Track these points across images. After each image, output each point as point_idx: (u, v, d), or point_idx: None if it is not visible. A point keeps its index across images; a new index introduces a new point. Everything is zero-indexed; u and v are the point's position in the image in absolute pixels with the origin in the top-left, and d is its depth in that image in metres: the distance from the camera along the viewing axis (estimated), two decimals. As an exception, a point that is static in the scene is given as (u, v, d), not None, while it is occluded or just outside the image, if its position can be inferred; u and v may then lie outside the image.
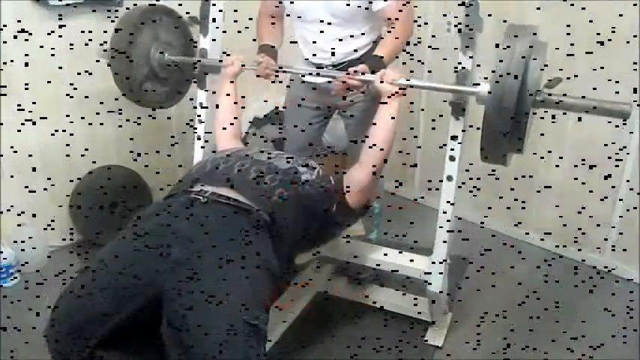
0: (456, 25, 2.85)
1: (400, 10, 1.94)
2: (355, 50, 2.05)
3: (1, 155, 2.46)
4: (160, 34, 2.11)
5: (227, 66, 1.98)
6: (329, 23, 1.99)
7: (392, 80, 1.70)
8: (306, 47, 2.12)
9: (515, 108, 1.33)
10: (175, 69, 2.16)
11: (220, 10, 2.08)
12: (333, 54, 2.04)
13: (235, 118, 1.98)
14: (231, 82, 2.00)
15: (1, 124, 2.42)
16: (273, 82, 2.06)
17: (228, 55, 2.04)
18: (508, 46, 1.35)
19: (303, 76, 2.17)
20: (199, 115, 2.11)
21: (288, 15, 2.12)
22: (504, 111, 1.33)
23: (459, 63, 1.68)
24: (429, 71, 3.02)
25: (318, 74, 2.08)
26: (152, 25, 2.08)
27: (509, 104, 1.32)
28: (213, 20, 2.06)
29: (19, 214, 2.56)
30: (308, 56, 2.12)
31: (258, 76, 2.01)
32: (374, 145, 1.71)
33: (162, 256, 1.31)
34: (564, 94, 1.45)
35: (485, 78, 1.49)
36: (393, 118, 1.71)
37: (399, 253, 2.05)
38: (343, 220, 1.78)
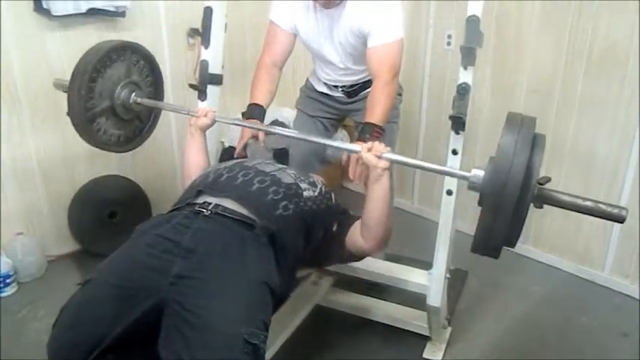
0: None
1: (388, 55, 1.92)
2: (367, 76, 2.12)
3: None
4: (132, 73, 1.96)
5: (199, 117, 1.82)
6: (342, 67, 2.10)
7: (380, 154, 1.51)
8: (322, 74, 2.23)
9: (515, 205, 1.19)
10: (136, 115, 2.03)
11: (222, 23, 2.08)
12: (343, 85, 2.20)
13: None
14: (201, 135, 1.85)
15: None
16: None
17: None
18: (511, 138, 1.21)
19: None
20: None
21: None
22: (504, 208, 1.19)
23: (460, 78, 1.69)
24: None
25: (327, 93, 2.22)
26: (127, 63, 1.93)
27: (510, 201, 1.18)
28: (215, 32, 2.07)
29: (17, 223, 2.56)
30: (324, 80, 2.25)
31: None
32: (371, 224, 1.58)
33: (164, 269, 1.30)
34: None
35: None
36: (385, 193, 1.55)
37: (399, 266, 2.04)
38: (342, 250, 1.70)
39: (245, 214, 1.43)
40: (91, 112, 1.87)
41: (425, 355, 2.10)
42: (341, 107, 2.29)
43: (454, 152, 1.74)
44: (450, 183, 1.78)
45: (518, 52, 2.67)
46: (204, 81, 2.08)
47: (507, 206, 1.19)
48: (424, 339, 2.14)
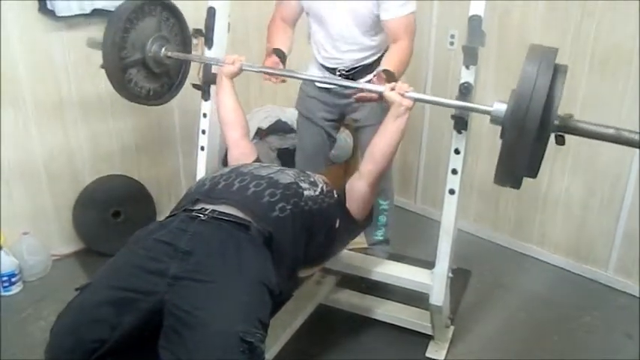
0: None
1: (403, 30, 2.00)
2: (367, 57, 2.14)
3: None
4: (162, 29, 2.04)
5: (226, 64, 1.91)
6: (346, 36, 2.09)
7: (404, 92, 1.63)
8: (320, 53, 2.22)
9: (537, 131, 1.22)
10: (166, 70, 2.09)
11: (225, 23, 2.09)
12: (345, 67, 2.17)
13: (240, 118, 1.95)
14: (229, 81, 1.94)
15: None
16: (283, 81, 2.05)
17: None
18: (532, 66, 1.26)
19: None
20: (203, 128, 2.13)
21: (308, 14, 2.18)
22: (526, 134, 1.22)
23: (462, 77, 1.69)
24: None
25: (327, 88, 2.18)
26: (158, 18, 2.02)
27: (532, 127, 1.21)
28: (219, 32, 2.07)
29: (23, 223, 2.57)
30: (322, 61, 2.23)
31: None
32: (376, 155, 1.71)
33: (162, 271, 1.32)
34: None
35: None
36: (400, 131, 1.67)
37: (401, 265, 2.05)
38: (348, 233, 1.77)
39: (241, 216, 1.45)
40: (123, 61, 1.94)
41: (428, 354, 2.11)
42: (339, 103, 2.28)
43: (456, 152, 1.74)
44: (453, 182, 1.78)
45: (521, 52, 2.65)
46: (208, 81, 2.09)
47: (529, 132, 1.22)
48: (427, 338, 2.15)
